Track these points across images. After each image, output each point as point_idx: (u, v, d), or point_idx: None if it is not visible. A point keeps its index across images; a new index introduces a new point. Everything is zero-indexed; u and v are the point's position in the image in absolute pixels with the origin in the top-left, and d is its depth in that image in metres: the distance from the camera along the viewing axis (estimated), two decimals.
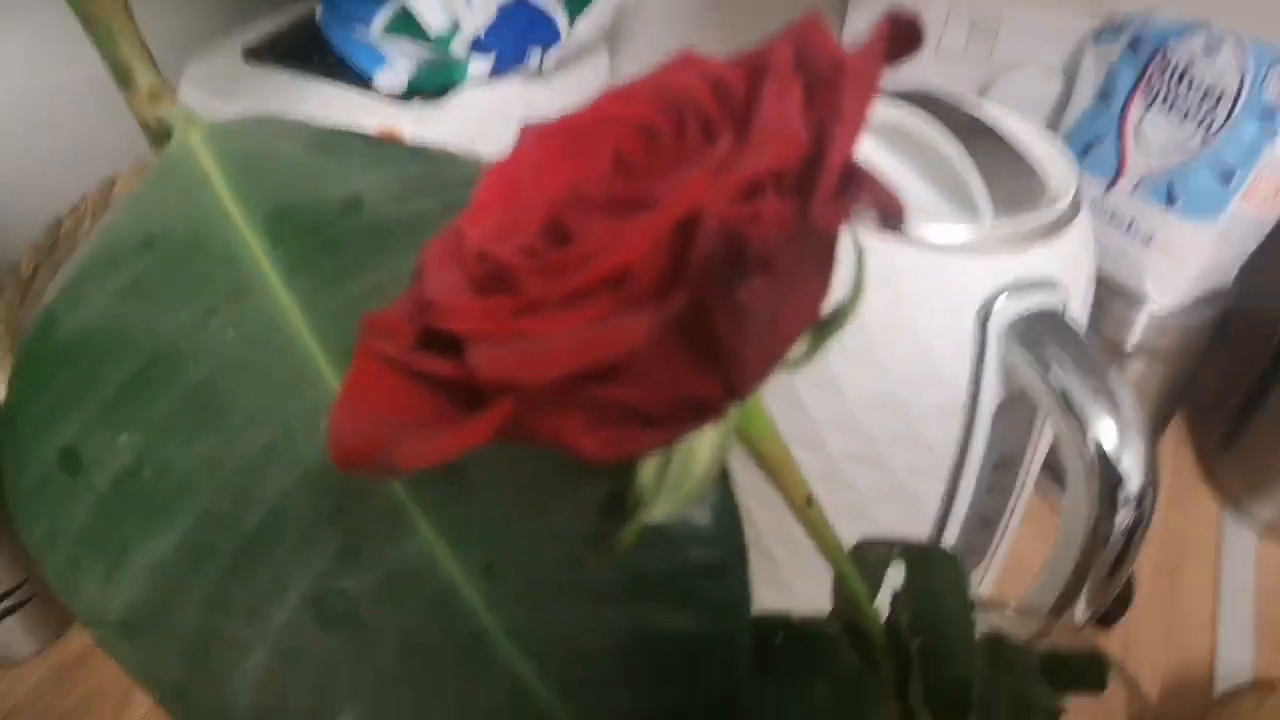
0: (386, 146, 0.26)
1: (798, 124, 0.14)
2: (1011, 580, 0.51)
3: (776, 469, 0.19)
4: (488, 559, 0.20)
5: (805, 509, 0.20)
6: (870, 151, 0.41)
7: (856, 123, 0.14)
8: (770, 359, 0.14)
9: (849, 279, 0.17)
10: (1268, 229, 0.53)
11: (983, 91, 0.62)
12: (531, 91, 0.56)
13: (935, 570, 0.25)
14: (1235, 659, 0.54)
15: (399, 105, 0.52)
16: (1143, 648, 0.55)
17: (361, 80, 0.52)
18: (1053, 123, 0.60)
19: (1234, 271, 0.55)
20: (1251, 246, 0.54)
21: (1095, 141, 0.55)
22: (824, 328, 0.17)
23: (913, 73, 0.63)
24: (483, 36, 0.52)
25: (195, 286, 0.23)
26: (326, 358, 0.22)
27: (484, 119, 0.53)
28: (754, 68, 0.16)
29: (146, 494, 0.21)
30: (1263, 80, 0.49)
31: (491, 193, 0.17)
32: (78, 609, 0.20)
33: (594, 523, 0.20)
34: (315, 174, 0.25)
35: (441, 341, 0.15)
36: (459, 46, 0.52)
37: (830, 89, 0.14)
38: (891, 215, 0.12)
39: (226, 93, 0.54)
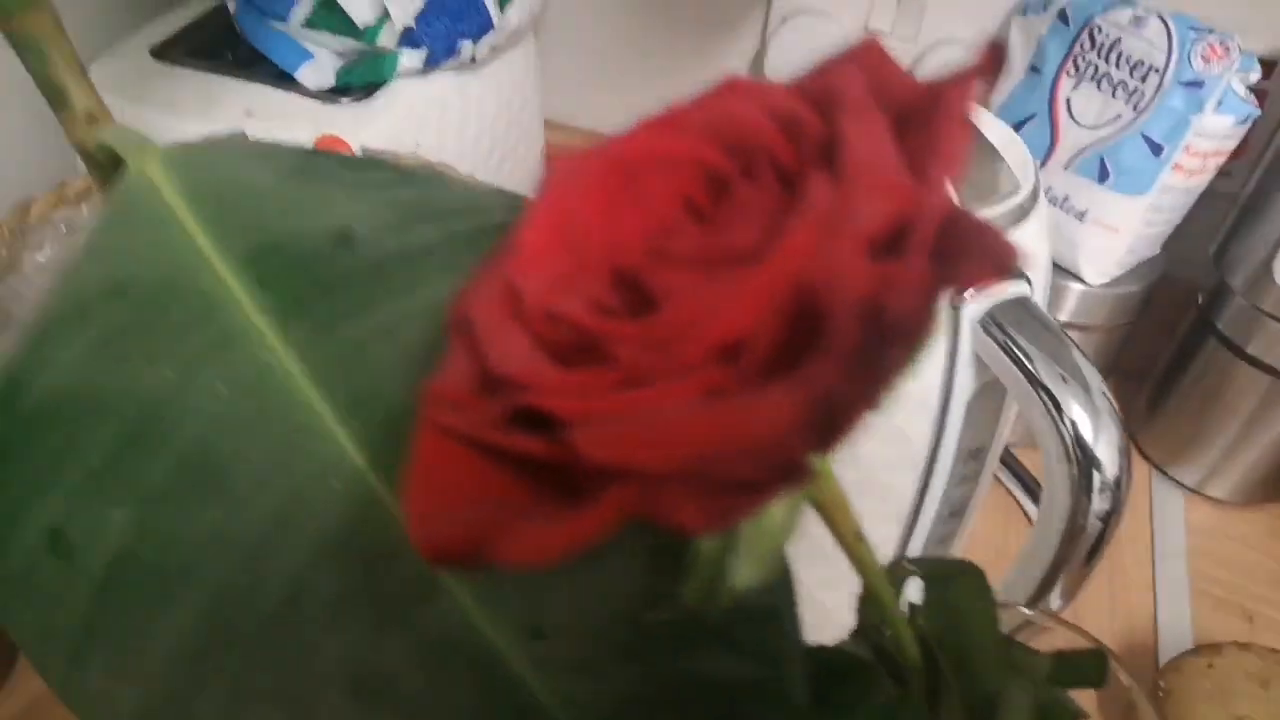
0: (369, 169, 0.24)
1: (893, 164, 0.13)
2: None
3: (833, 511, 0.19)
4: (534, 620, 0.19)
5: (855, 544, 0.20)
6: None
7: (956, 162, 0.13)
8: (873, 409, 0.13)
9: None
10: (1194, 200, 0.55)
11: (912, 69, 0.62)
12: (465, 83, 0.54)
13: (957, 583, 0.25)
14: (1174, 620, 0.56)
15: (326, 104, 0.49)
16: (1089, 615, 0.57)
17: (283, 78, 0.50)
18: (982, 96, 0.60)
19: (1162, 240, 0.57)
20: (1179, 218, 0.55)
21: (1027, 117, 0.56)
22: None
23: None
24: (413, 27, 0.49)
25: (176, 338, 0.22)
26: (333, 411, 0.21)
27: (419, 115, 0.51)
28: (821, 99, 0.15)
29: (150, 576, 0.19)
30: (1188, 53, 0.50)
31: (538, 237, 0.16)
32: (85, 712, 0.18)
33: (647, 576, 0.19)
34: (296, 206, 0.23)
35: (520, 413, 0.14)
36: (387, 38, 0.50)
37: (923, 125, 0.13)
38: (1004, 263, 0.12)
39: (134, 95, 0.50)
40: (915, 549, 0.46)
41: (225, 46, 0.51)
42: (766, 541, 0.15)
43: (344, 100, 0.49)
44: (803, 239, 0.12)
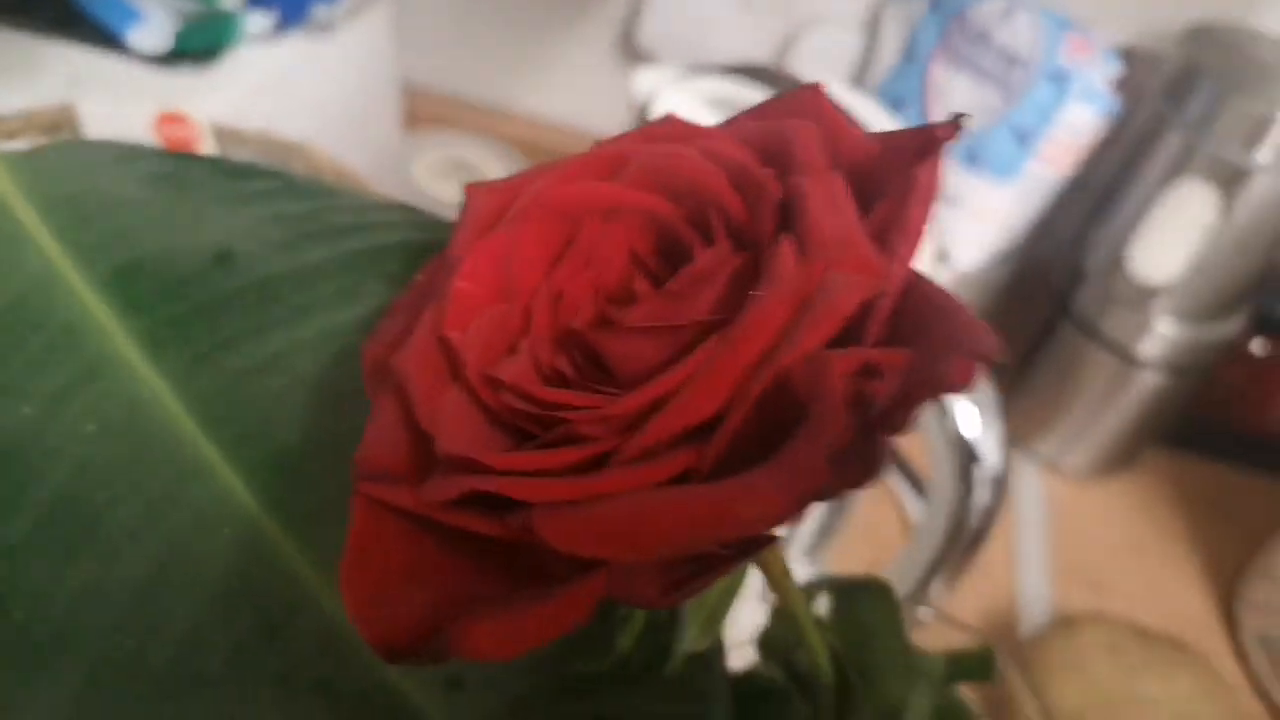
0: (248, 178, 0.23)
1: (865, 239, 0.13)
2: (853, 555, 0.54)
3: (769, 556, 0.19)
4: (455, 671, 0.19)
5: (783, 579, 0.20)
6: None
7: (920, 238, 0.13)
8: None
9: None
10: (1058, 189, 0.58)
11: (785, 46, 0.63)
12: (317, 51, 0.52)
13: (864, 598, 0.26)
14: (1035, 594, 0.60)
15: (162, 72, 0.46)
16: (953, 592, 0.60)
17: (111, 40, 0.46)
18: (856, 80, 0.62)
19: (1028, 227, 0.60)
20: (1045, 206, 0.59)
21: (901, 102, 0.58)
22: None
23: (715, 27, 0.63)
24: None
25: (34, 370, 0.20)
26: (218, 450, 0.20)
27: (268, 84, 0.49)
28: (773, 153, 0.15)
29: (21, 643, 0.18)
30: (1056, 45, 0.53)
31: (472, 287, 0.15)
32: None
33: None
34: (165, 219, 0.22)
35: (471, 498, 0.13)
36: (232, 0, 0.47)
37: (888, 197, 0.13)
38: (988, 353, 0.12)
39: None
40: (799, 541, 0.47)
41: (42, 4, 0.47)
42: (717, 605, 0.15)
43: (182, 68, 0.46)
44: (776, 315, 0.12)
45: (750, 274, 0.14)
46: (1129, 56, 0.56)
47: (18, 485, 0.19)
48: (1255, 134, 0.53)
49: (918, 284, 0.13)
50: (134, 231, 0.21)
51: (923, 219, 0.13)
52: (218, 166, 0.23)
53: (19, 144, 0.37)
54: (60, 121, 0.38)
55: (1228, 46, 0.55)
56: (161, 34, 0.47)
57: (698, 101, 0.40)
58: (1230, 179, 0.55)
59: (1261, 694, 0.58)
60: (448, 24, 0.71)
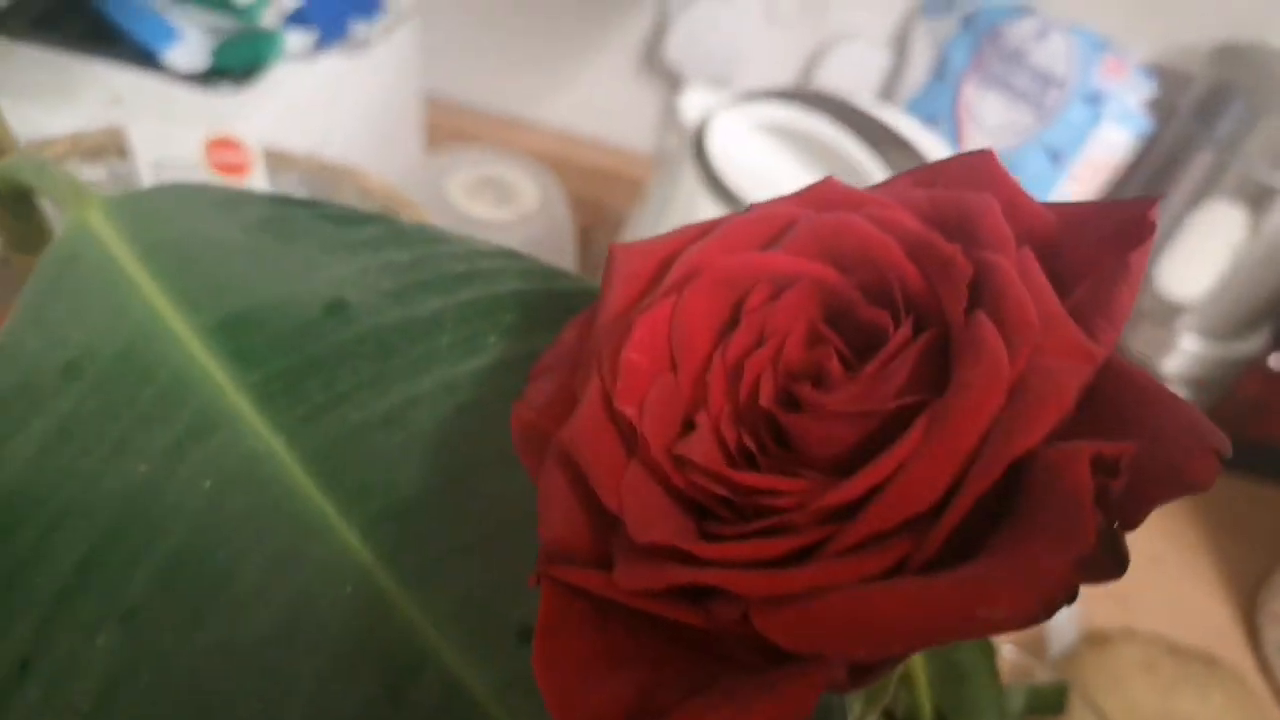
0: (353, 224, 0.22)
1: (1070, 322, 0.13)
2: None
3: None
4: None
5: None
6: (774, 154, 0.41)
7: (1122, 325, 0.13)
8: None
9: None
10: None
11: (814, 62, 0.63)
12: (353, 68, 0.51)
13: (961, 645, 0.26)
14: (1061, 616, 0.61)
15: (202, 91, 0.46)
16: None
17: (148, 57, 0.46)
18: (885, 96, 0.62)
19: None
20: None
21: (932, 120, 0.58)
22: None
23: (742, 42, 0.63)
24: (301, 5, 0.46)
25: (145, 426, 0.20)
26: (333, 504, 0.20)
27: (305, 103, 0.48)
28: (949, 224, 0.15)
29: (149, 705, 0.17)
30: (1091, 66, 0.53)
31: (641, 357, 0.15)
32: None
33: None
34: (274, 267, 0.21)
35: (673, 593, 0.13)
36: (271, 17, 0.46)
37: (1101, 283, 0.13)
38: (1222, 449, 0.12)
39: None
40: None
41: (77, 20, 0.46)
42: (884, 685, 0.15)
43: (223, 87, 0.46)
44: (991, 399, 0.12)
45: (938, 354, 0.13)
46: (1160, 74, 0.56)
47: (138, 545, 0.19)
48: None
49: (1114, 367, 0.13)
50: (240, 280, 0.21)
51: (1130, 304, 0.13)
52: (322, 212, 0.22)
53: (66, 167, 0.37)
54: (107, 144, 0.38)
55: (1257, 66, 0.55)
56: (199, 52, 0.46)
57: (749, 126, 0.40)
58: (1259, 198, 0.55)
59: None
60: (471, 36, 0.71)
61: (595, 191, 0.65)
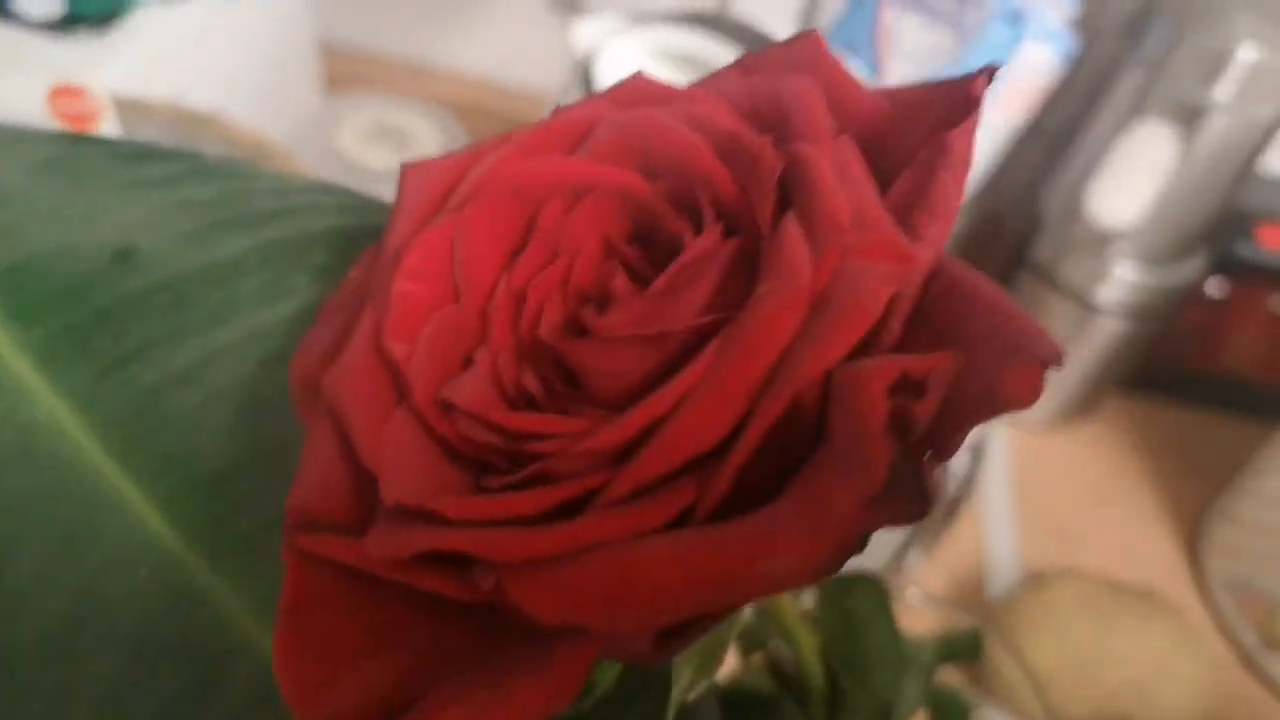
0: (148, 160, 0.20)
1: (886, 220, 0.11)
2: None
3: None
4: None
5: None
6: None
7: (952, 220, 0.11)
8: None
9: None
10: (1014, 133, 0.57)
11: None
12: (227, 10, 0.48)
13: (854, 592, 0.24)
14: (1003, 548, 0.60)
15: (55, 39, 0.42)
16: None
17: None
18: (803, 24, 0.60)
19: (984, 174, 0.59)
20: (1001, 151, 0.57)
21: (850, 47, 0.56)
22: None
23: None
24: None
25: None
26: (129, 476, 0.18)
27: (171, 50, 0.45)
28: (768, 116, 0.13)
29: None
30: None
31: (417, 289, 0.13)
32: None
33: None
34: (55, 212, 0.19)
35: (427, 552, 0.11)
36: None
37: (922, 171, 0.11)
38: (1050, 357, 0.10)
39: None
40: None
41: None
42: (713, 647, 0.14)
43: (78, 35, 0.43)
44: (789, 316, 0.10)
45: (747, 264, 0.12)
46: None
47: None
48: (1212, 70, 0.52)
49: (944, 270, 0.11)
50: (18, 228, 0.19)
51: (957, 194, 0.11)
52: (113, 149, 0.20)
53: None
54: None
55: None
56: (54, 1, 0.43)
57: (646, 54, 0.38)
58: (1189, 117, 0.54)
59: (1228, 635, 0.58)
60: None
61: None
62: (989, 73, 0.12)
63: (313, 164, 0.49)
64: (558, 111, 0.14)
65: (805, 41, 0.13)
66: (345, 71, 0.67)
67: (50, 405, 0.18)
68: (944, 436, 0.09)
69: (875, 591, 0.24)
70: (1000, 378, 0.09)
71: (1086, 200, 0.58)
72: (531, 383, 0.12)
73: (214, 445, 0.18)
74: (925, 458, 0.09)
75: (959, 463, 0.36)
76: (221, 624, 0.17)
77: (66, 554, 0.17)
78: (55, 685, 0.16)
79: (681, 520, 0.10)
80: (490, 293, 0.13)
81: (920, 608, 0.31)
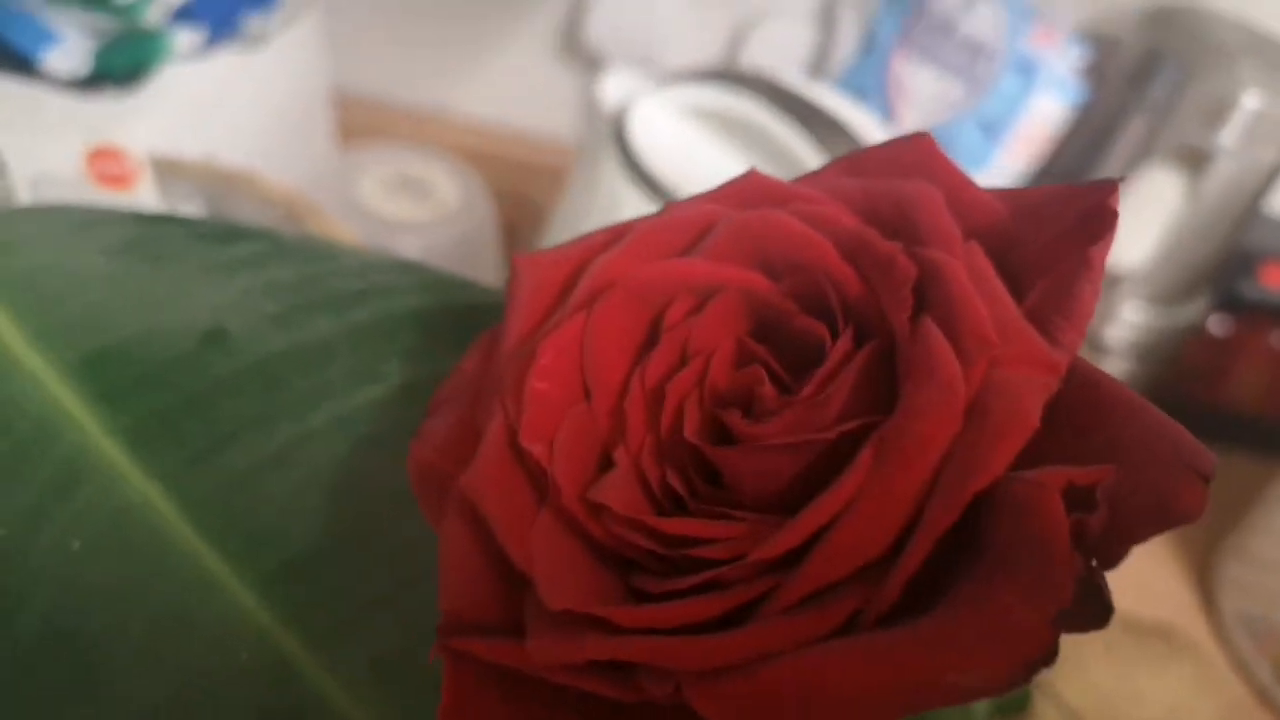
0: (230, 240, 0.20)
1: (1029, 329, 0.11)
2: None
3: None
4: None
5: None
6: (700, 139, 0.40)
7: (1086, 328, 0.12)
8: None
9: None
10: (1026, 178, 0.57)
11: (739, 39, 0.61)
12: (250, 64, 0.48)
13: None
14: None
15: (84, 98, 0.43)
16: None
17: (23, 66, 0.43)
18: (813, 74, 0.61)
19: None
20: None
21: (861, 96, 0.57)
22: None
23: (662, 23, 0.61)
24: (187, 1, 0.44)
25: (4, 480, 0.17)
26: (223, 560, 0.18)
27: (198, 106, 0.45)
28: (887, 219, 0.13)
29: None
30: (1021, 35, 0.52)
31: (549, 385, 0.13)
32: None
33: None
34: (143, 295, 0.19)
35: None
36: (155, 15, 0.44)
37: (1060, 281, 0.12)
38: (1206, 470, 0.11)
39: None
40: None
41: None
42: None
43: (106, 92, 0.43)
44: (946, 423, 0.10)
45: (883, 368, 0.12)
46: (1091, 41, 0.55)
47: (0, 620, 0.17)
48: (1217, 116, 0.53)
49: (1081, 375, 0.12)
50: (104, 312, 0.19)
51: (1093, 304, 0.11)
52: (195, 229, 0.20)
53: None
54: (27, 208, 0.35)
55: (1187, 28, 0.55)
56: (79, 56, 0.43)
57: (672, 110, 0.38)
58: (1195, 162, 0.55)
59: (1243, 672, 0.58)
60: (379, 27, 0.68)
61: (520, 185, 0.63)
62: (1118, 183, 0.12)
63: (334, 214, 0.49)
64: (671, 207, 0.14)
65: (917, 143, 0.14)
66: (359, 121, 0.67)
67: (143, 489, 0.18)
68: (1112, 548, 0.10)
69: None
70: (1172, 491, 0.10)
71: None
72: (677, 483, 0.12)
73: (306, 528, 0.18)
74: (1094, 566, 0.10)
75: None
76: (319, 706, 0.17)
77: (167, 637, 0.17)
78: None
79: (850, 626, 0.10)
80: (620, 392, 0.13)
81: None
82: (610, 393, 0.13)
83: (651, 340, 0.13)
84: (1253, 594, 0.61)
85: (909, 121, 0.55)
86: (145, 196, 0.36)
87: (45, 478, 0.18)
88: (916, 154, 0.14)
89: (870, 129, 0.41)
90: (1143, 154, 0.55)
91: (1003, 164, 0.55)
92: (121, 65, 0.44)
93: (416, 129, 0.69)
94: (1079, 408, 0.11)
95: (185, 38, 0.45)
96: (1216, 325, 0.66)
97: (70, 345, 0.19)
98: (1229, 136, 0.53)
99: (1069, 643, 0.37)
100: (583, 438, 0.13)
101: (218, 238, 0.20)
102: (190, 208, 0.37)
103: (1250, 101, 0.52)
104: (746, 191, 0.14)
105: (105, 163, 0.35)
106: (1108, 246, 0.12)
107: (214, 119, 0.46)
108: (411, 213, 0.51)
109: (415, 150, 0.57)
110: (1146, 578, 0.63)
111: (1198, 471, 0.10)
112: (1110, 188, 0.12)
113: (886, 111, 0.56)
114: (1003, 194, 0.13)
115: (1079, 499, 0.10)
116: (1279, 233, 0.64)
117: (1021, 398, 0.10)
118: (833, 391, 0.12)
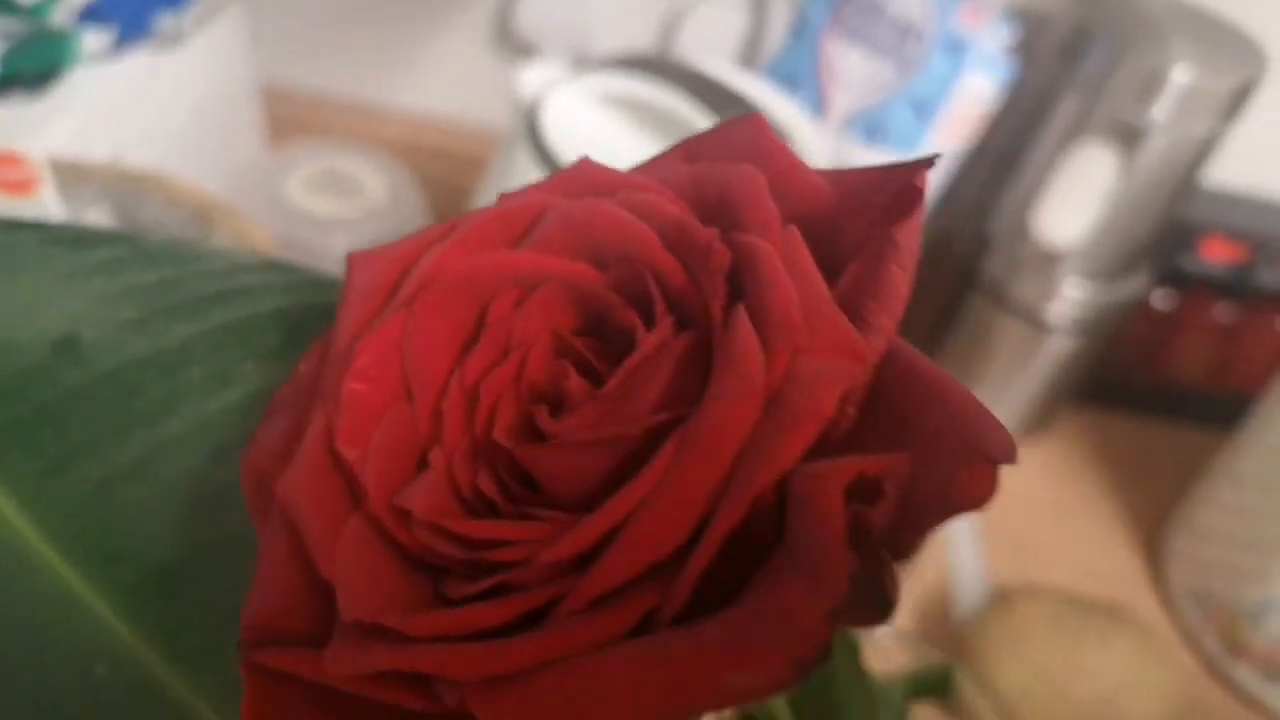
0: (88, 245, 0.20)
1: (837, 315, 0.11)
2: None
3: None
4: None
5: None
6: (617, 130, 0.39)
7: (900, 309, 0.11)
8: None
9: None
10: (959, 157, 0.57)
11: (669, 29, 0.61)
12: (164, 63, 0.48)
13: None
14: (967, 567, 0.60)
15: None
16: None
17: None
18: (747, 60, 0.60)
19: (931, 199, 0.59)
20: (947, 175, 0.58)
21: (793, 80, 0.57)
22: None
23: (594, 12, 0.61)
24: (94, 1, 0.43)
25: None
26: (80, 574, 0.17)
27: (110, 108, 0.44)
28: (713, 205, 0.13)
29: None
30: (949, 14, 0.52)
31: (368, 390, 0.13)
32: None
33: None
34: None
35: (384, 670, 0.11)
36: (62, 16, 0.43)
37: (869, 263, 0.11)
38: (1004, 453, 0.10)
39: None
40: None
41: None
42: None
43: (12, 97, 0.42)
44: (743, 417, 0.10)
45: (701, 357, 0.12)
46: (1020, 19, 0.55)
47: None
48: (1149, 91, 0.53)
49: (896, 356, 0.11)
50: None
51: (906, 284, 0.11)
52: (50, 234, 0.20)
53: None
54: None
55: (1116, 5, 0.55)
56: None
57: (592, 100, 0.38)
58: (1128, 137, 0.55)
59: (1193, 644, 0.59)
60: (307, 22, 0.67)
61: (455, 178, 0.63)
62: (928, 162, 0.12)
63: (259, 215, 0.49)
64: (503, 199, 0.14)
65: (748, 125, 0.13)
66: (288, 116, 0.66)
67: None
68: (902, 539, 0.10)
69: (841, 636, 0.24)
70: (956, 479, 0.09)
71: (1032, 221, 0.59)
72: (488, 486, 0.12)
73: (164, 539, 0.18)
74: (884, 560, 0.10)
75: None
76: (182, 718, 0.17)
77: (21, 654, 0.17)
78: None
79: (645, 625, 0.10)
80: (442, 391, 0.13)
81: (890, 647, 0.31)
82: (432, 393, 0.13)
83: (475, 337, 0.13)
84: (1200, 566, 0.61)
85: (840, 104, 0.55)
86: (48, 202, 0.35)
87: None
88: (747, 137, 0.13)
89: (792, 116, 0.41)
90: (1076, 131, 0.56)
91: (935, 144, 0.55)
92: (29, 68, 0.43)
93: (350, 122, 0.68)
94: (896, 394, 0.11)
95: (93, 38, 0.44)
96: (1159, 300, 0.66)
97: None
98: (1161, 111, 0.54)
99: (1013, 619, 0.37)
100: (401, 441, 0.12)
101: (75, 242, 0.20)
102: (97, 212, 0.37)
103: (1181, 76, 0.53)
104: (578, 180, 0.14)
105: (3, 170, 0.34)
106: (915, 227, 0.11)
107: (129, 121, 0.45)
108: (339, 209, 0.51)
109: (343, 147, 0.56)
110: (1096, 554, 0.63)
111: (990, 457, 0.10)
112: (919, 167, 0.12)
113: (818, 95, 0.56)
114: (832, 175, 0.13)
115: (869, 490, 0.10)
116: (1217, 206, 0.65)
117: (818, 387, 0.10)
118: (640, 384, 0.11)
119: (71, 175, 0.36)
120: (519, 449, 0.12)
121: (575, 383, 0.12)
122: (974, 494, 0.09)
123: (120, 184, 0.36)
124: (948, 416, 0.10)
